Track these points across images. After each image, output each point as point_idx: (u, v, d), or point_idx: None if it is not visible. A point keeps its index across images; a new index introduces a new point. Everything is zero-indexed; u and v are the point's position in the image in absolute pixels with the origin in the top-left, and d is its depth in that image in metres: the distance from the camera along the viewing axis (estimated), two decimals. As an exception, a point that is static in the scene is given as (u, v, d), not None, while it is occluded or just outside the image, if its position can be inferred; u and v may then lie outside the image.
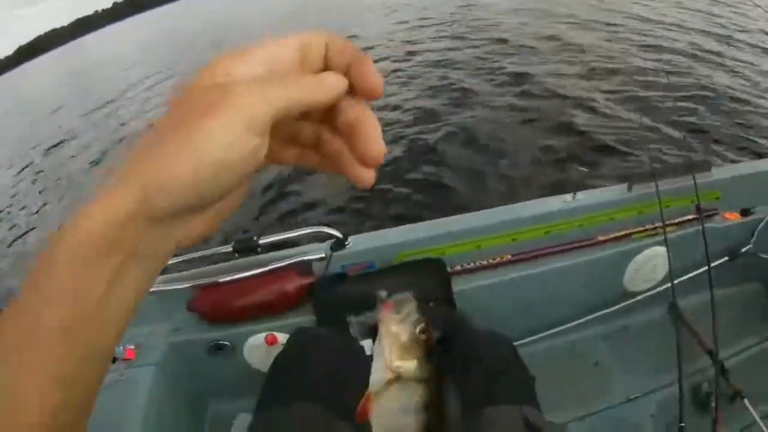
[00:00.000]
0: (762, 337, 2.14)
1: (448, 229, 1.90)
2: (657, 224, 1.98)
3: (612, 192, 2.03)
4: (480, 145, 5.53)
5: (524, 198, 2.11)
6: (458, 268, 1.93)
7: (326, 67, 0.39)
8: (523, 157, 5.14)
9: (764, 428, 1.51)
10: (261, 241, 1.85)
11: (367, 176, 0.39)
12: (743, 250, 2.09)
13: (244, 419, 1.98)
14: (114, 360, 1.72)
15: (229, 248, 1.85)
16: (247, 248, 1.87)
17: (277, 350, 1.84)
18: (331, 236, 1.87)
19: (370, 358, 0.62)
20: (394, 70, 8.48)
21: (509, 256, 1.98)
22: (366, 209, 4.71)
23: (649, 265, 2.07)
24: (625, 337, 2.19)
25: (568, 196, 1.99)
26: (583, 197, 1.98)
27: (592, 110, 5.92)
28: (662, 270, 2.07)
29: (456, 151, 5.48)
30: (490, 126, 5.93)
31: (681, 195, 2.00)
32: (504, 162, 5.12)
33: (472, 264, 1.96)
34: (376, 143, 0.38)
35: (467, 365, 1.28)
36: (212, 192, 0.33)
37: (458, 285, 1.88)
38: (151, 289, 1.65)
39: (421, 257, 1.90)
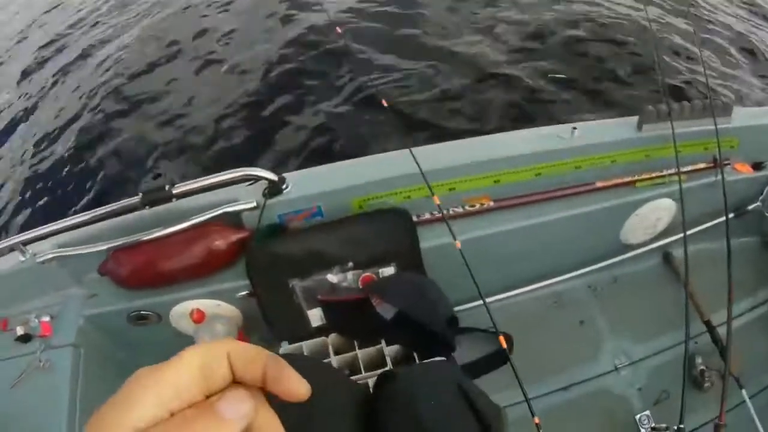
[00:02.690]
0: (757, 299, 1.87)
1: (412, 167, 1.45)
2: (667, 171, 1.64)
3: (618, 129, 1.61)
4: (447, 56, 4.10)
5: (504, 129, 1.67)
6: (426, 216, 1.51)
7: (235, 379, 0.35)
8: (507, 80, 3.90)
9: (753, 411, 1.40)
10: (175, 191, 1.40)
11: None
12: (751, 207, 1.80)
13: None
14: (29, 338, 1.49)
15: (136, 200, 1.42)
16: (158, 199, 1.43)
17: (208, 327, 1.48)
18: (262, 179, 1.43)
19: None
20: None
21: (490, 202, 1.56)
22: (301, 148, 3.52)
23: (652, 218, 1.74)
24: (615, 291, 1.88)
25: (565, 130, 1.56)
26: (583, 133, 1.55)
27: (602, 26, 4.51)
28: (665, 222, 1.77)
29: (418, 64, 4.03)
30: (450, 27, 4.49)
31: (695, 140, 1.63)
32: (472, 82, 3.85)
33: (444, 211, 1.51)
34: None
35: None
36: None
37: (426, 239, 1.47)
38: (61, 254, 1.43)
39: (380, 203, 1.48)
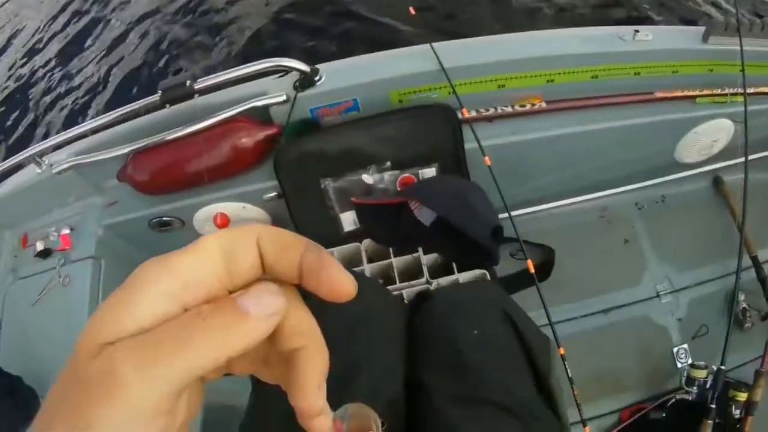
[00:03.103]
0: None
1: (459, 60, 1.31)
2: (729, 90, 1.47)
3: (682, 37, 1.44)
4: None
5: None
6: (472, 114, 1.36)
7: (265, 270, 0.28)
8: None
9: None
10: (197, 86, 1.28)
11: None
12: None
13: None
14: (49, 253, 1.45)
15: (155, 99, 1.30)
16: (179, 96, 1.31)
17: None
18: (293, 71, 1.28)
19: None
20: None
21: (542, 103, 1.41)
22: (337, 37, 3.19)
23: (709, 138, 1.59)
24: (661, 211, 1.76)
25: (628, 32, 1.39)
26: (647, 37, 1.39)
27: None
28: (721, 145, 1.62)
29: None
30: None
31: (763, 61, 1.45)
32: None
33: (491, 110, 1.39)
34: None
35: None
36: None
37: (471, 139, 1.31)
38: (78, 162, 1.36)
39: (422, 98, 1.34)
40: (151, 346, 0.24)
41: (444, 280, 1.29)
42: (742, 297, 1.56)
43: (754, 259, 1.57)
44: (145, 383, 0.23)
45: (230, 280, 0.27)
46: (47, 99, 3.62)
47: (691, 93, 1.48)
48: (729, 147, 1.62)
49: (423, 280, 1.30)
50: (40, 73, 3.88)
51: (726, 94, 1.49)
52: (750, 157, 1.55)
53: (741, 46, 1.36)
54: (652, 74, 1.43)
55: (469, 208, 1.14)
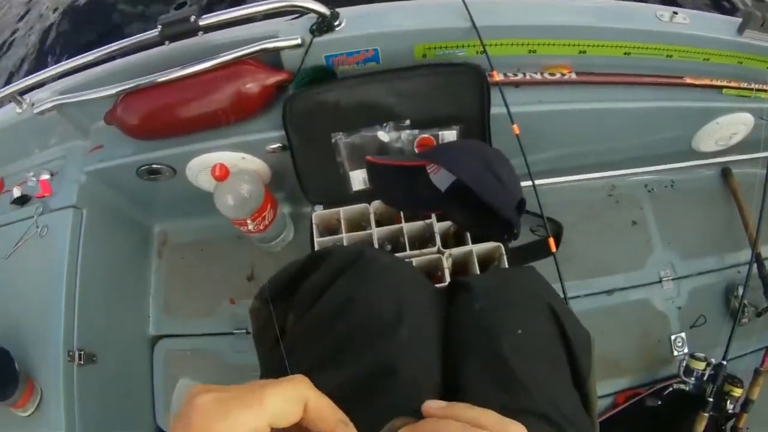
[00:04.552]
0: None
1: (492, 19, 1.20)
2: (756, 85, 1.42)
3: (718, 25, 1.37)
4: None
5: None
6: (501, 77, 1.25)
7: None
8: None
9: None
10: (202, 22, 1.13)
11: None
12: None
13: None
14: (27, 200, 1.34)
15: (154, 34, 1.16)
16: (181, 32, 1.16)
17: (231, 186, 1.25)
18: (310, 12, 1.15)
19: None
20: None
21: (572, 74, 1.32)
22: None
23: (729, 130, 1.54)
24: (671, 197, 1.71)
25: (666, 12, 1.31)
26: (684, 20, 1.32)
27: None
28: (738, 138, 1.57)
29: None
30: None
31: None
32: None
33: (520, 75, 1.28)
34: None
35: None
36: None
37: (496, 103, 1.23)
38: (62, 101, 1.25)
39: (449, 54, 1.22)
40: None
41: (456, 251, 1.20)
42: (742, 292, 1.51)
43: (758, 255, 1.53)
44: None
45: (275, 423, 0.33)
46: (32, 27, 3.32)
47: (719, 83, 1.42)
48: (744, 141, 1.58)
49: (434, 248, 1.20)
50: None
51: (752, 89, 1.44)
52: (764, 154, 1.55)
53: None
54: (684, 59, 1.37)
55: (495, 177, 1.04)
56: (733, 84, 1.43)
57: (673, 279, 1.57)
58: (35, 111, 1.26)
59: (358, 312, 0.67)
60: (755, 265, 1.52)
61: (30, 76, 1.25)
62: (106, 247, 1.38)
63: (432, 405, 0.40)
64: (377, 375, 0.62)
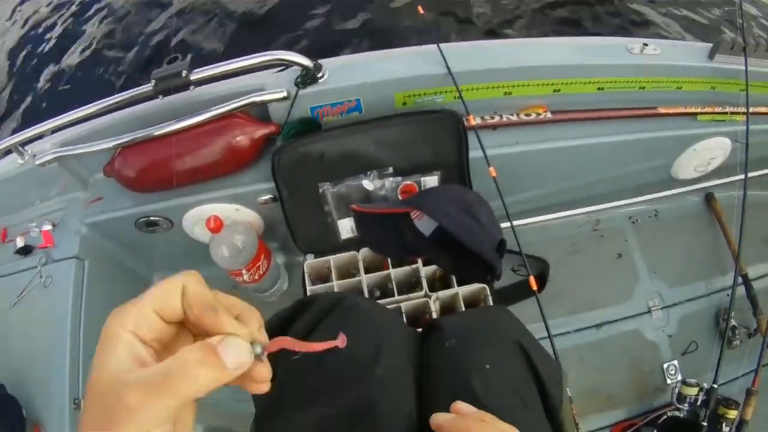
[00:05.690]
0: None
1: (467, 64, 1.22)
2: (731, 109, 1.43)
3: (689, 53, 1.38)
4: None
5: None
6: (478, 120, 1.27)
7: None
8: None
9: None
10: (193, 77, 1.16)
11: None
12: None
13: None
14: (30, 250, 1.36)
15: (148, 88, 1.19)
16: (174, 87, 1.20)
17: (225, 237, 1.27)
18: (295, 65, 1.18)
19: None
20: None
21: (547, 113, 1.33)
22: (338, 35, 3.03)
23: (707, 156, 1.55)
24: (655, 226, 1.72)
25: (636, 45, 1.33)
26: (654, 51, 1.33)
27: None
28: (717, 162, 1.58)
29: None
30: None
31: (763, 80, 1.40)
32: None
33: (496, 117, 1.30)
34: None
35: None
36: None
37: (475, 147, 1.25)
38: (62, 153, 1.27)
39: (427, 101, 1.25)
40: (147, 385, 0.33)
41: (443, 294, 1.21)
42: (732, 314, 1.50)
43: (744, 277, 1.53)
44: (148, 413, 0.32)
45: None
46: (34, 84, 3.41)
47: (693, 110, 1.43)
48: (724, 165, 1.58)
49: (422, 293, 1.21)
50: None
51: (727, 113, 1.44)
52: (741, 177, 1.52)
53: (746, 66, 1.32)
54: (657, 89, 1.38)
55: (475, 221, 1.06)
56: (707, 110, 1.44)
57: (661, 308, 1.57)
58: (37, 162, 1.28)
59: (339, 353, 0.70)
60: (743, 287, 1.53)
61: (31, 128, 1.27)
62: (108, 297, 1.39)
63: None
64: (358, 411, 0.64)
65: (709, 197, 1.72)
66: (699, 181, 1.68)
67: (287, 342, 0.41)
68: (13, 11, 4.02)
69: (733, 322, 1.51)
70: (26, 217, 1.43)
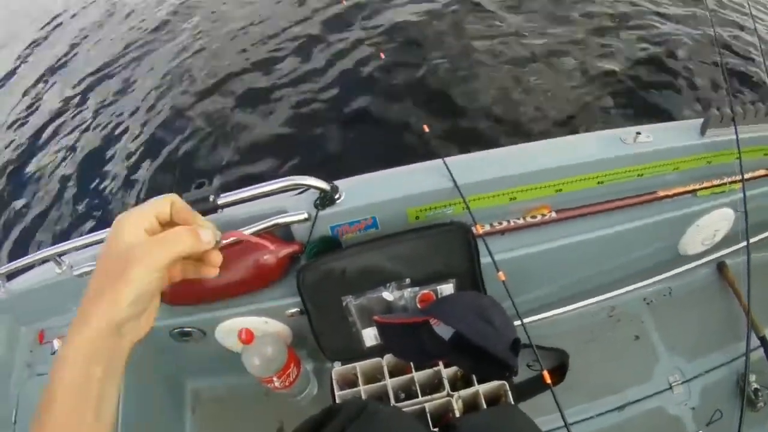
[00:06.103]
0: None
1: (472, 176, 1.31)
2: (727, 179, 1.48)
3: (681, 133, 1.45)
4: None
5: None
6: (486, 228, 1.36)
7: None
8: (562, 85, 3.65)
9: None
10: (220, 201, 1.28)
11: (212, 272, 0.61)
12: None
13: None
14: None
15: None
16: (203, 210, 1.31)
17: (257, 348, 1.35)
18: (314, 188, 1.29)
19: None
20: None
21: (552, 213, 1.40)
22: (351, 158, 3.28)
23: (712, 229, 1.59)
24: (670, 304, 1.74)
25: (629, 135, 1.40)
26: (647, 137, 1.40)
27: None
28: (723, 233, 1.62)
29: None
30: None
31: (757, 145, 1.47)
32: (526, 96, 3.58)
33: (504, 223, 1.39)
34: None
35: None
36: (143, 303, 0.52)
37: (486, 253, 1.31)
38: None
39: (438, 214, 1.35)
40: (150, 245, 0.51)
41: (464, 392, 1.27)
42: (753, 378, 1.52)
43: (762, 339, 1.54)
44: (151, 258, 0.50)
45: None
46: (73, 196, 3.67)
47: (692, 187, 1.48)
48: (731, 233, 1.61)
49: (444, 393, 1.28)
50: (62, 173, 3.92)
51: (725, 183, 1.48)
52: (752, 240, 1.54)
53: (737, 135, 1.37)
54: (655, 174, 1.44)
55: (489, 324, 1.13)
56: (705, 185, 1.48)
57: (682, 382, 1.57)
58: (74, 273, 1.34)
59: None
60: (761, 349, 1.53)
61: (69, 241, 1.33)
62: (143, 403, 1.43)
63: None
64: None
65: (721, 266, 1.75)
66: (708, 254, 1.70)
67: (237, 234, 0.65)
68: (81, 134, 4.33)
69: (756, 385, 1.51)
70: (63, 322, 1.47)
